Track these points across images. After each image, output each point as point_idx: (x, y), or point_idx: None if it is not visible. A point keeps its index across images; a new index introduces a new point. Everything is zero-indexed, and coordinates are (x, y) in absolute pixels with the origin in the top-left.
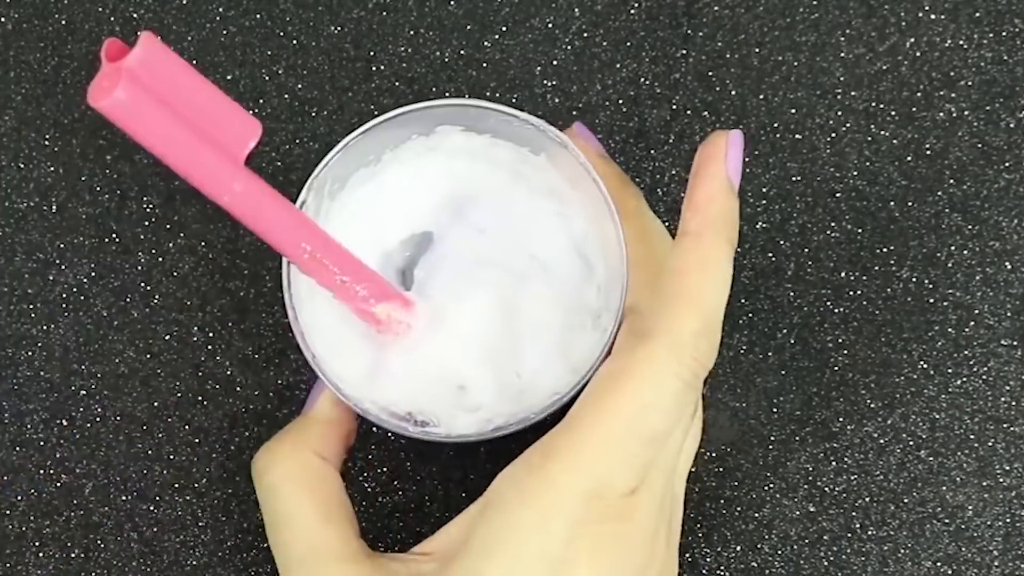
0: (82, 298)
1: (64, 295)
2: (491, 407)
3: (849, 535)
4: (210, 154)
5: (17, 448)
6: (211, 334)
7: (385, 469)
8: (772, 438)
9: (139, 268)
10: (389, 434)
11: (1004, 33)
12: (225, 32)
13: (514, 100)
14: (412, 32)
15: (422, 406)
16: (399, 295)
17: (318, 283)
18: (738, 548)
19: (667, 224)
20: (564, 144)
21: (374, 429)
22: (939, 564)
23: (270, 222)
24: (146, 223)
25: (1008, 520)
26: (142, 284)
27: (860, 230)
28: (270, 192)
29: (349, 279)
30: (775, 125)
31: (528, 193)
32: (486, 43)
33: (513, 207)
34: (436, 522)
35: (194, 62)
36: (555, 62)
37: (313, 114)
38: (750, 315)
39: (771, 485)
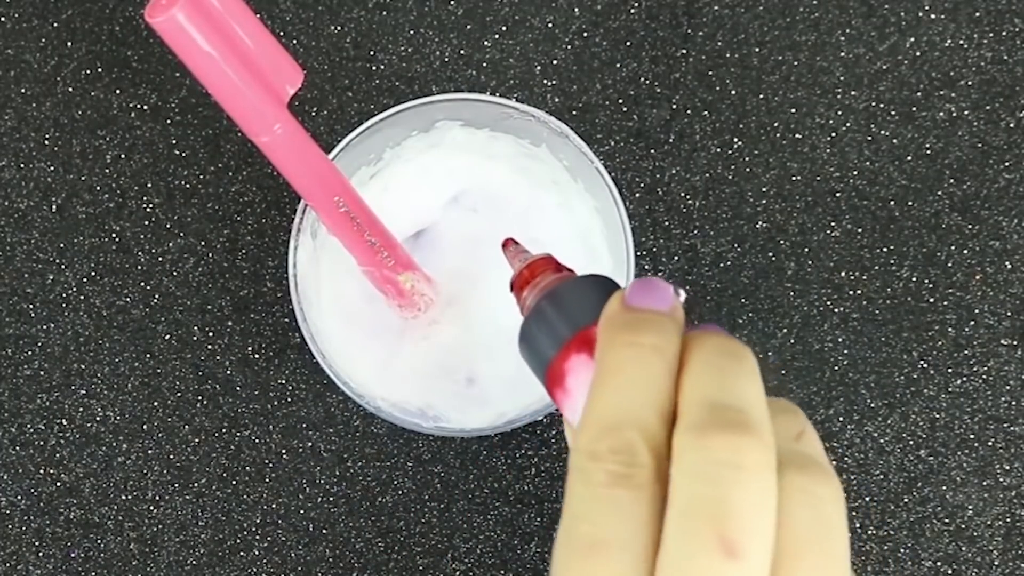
0: (82, 298)
1: (64, 295)
2: (502, 399)
3: (849, 535)
4: (256, 89)
5: (17, 448)
6: (211, 334)
7: (386, 465)
8: None
9: (139, 268)
10: (388, 429)
11: (1004, 33)
12: None
13: (514, 100)
14: (412, 32)
15: (433, 401)
16: (420, 269)
17: (345, 244)
18: None
19: (666, 223)
20: (564, 134)
21: (374, 428)
22: (939, 564)
23: (307, 169)
24: (146, 223)
25: (1008, 520)
26: (142, 284)
27: (860, 230)
28: (309, 139)
29: (378, 241)
30: (775, 125)
31: (530, 184)
32: (486, 42)
33: (515, 198)
34: (436, 517)
35: None
36: (555, 62)
37: (313, 114)
38: (750, 315)
39: None
